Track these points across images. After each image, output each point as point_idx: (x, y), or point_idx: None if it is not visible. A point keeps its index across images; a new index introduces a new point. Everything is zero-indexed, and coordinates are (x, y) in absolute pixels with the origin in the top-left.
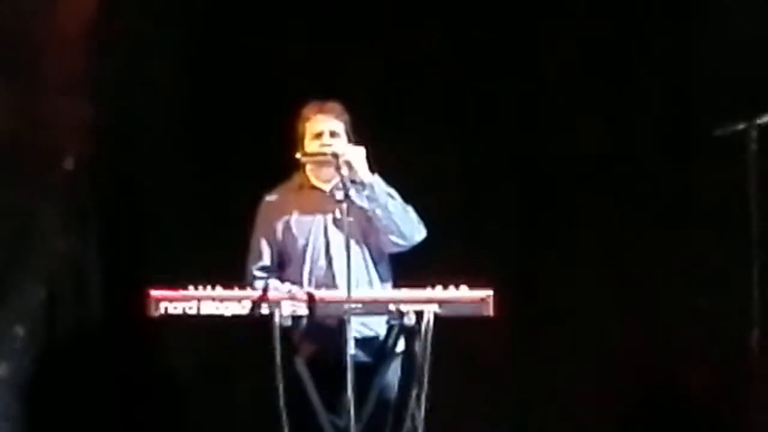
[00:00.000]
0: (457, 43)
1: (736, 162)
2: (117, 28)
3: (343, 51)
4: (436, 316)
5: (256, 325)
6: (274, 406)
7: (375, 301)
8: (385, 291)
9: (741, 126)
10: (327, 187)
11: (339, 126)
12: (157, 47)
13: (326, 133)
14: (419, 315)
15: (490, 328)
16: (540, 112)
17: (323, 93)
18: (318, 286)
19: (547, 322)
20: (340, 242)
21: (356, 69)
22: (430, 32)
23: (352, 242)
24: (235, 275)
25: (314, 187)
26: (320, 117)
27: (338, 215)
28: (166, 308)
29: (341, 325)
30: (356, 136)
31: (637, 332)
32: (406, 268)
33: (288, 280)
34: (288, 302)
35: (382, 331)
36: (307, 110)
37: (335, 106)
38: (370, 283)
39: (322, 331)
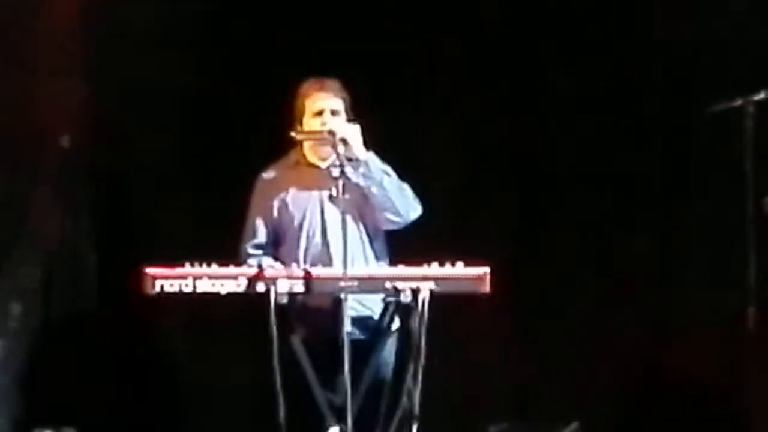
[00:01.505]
0: (456, 20)
1: (732, 138)
2: (111, 10)
3: (341, 27)
4: (432, 293)
5: (252, 302)
6: (270, 384)
7: (371, 278)
8: (382, 268)
9: (738, 102)
10: (324, 165)
11: (339, 104)
12: (150, 29)
13: (327, 111)
14: (415, 292)
15: (486, 304)
16: (538, 91)
17: (321, 70)
18: (314, 264)
19: (544, 298)
20: (336, 220)
21: (354, 46)
22: (430, 9)
23: (348, 219)
24: (231, 253)
25: (311, 165)
26: (321, 95)
27: (334, 192)
28: (162, 286)
29: (337, 303)
30: (353, 113)
31: (634, 309)
32: (402, 245)
33: (284, 258)
34: (284, 279)
35: (377, 310)
36: (306, 87)
37: (335, 83)
38: (366, 260)
39: (318, 309)
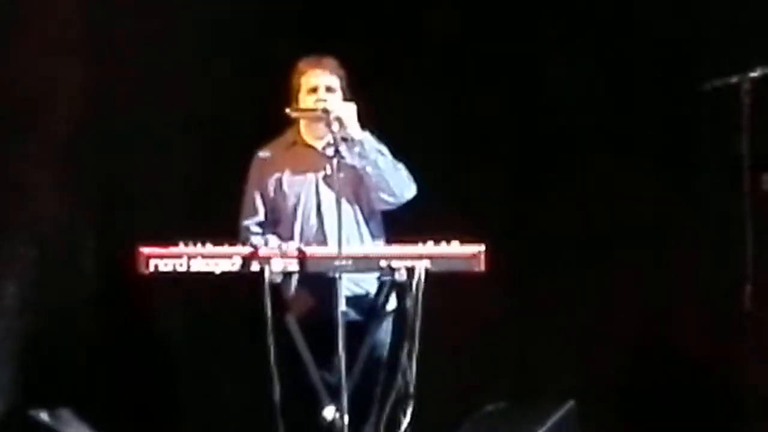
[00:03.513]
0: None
1: (728, 115)
2: None
3: (338, 5)
4: (428, 272)
5: (247, 282)
6: (265, 363)
7: (366, 257)
8: (376, 247)
9: (734, 79)
10: (320, 145)
11: (335, 81)
12: (150, 11)
13: (322, 87)
14: (410, 271)
15: (481, 283)
16: (535, 67)
17: (317, 48)
18: (308, 244)
19: (540, 276)
20: (331, 200)
21: (350, 24)
22: None
23: (343, 200)
24: (225, 232)
25: (307, 145)
26: (317, 71)
27: (329, 172)
28: (156, 265)
29: (332, 283)
30: (350, 92)
31: (632, 287)
32: (398, 225)
33: (280, 237)
34: (278, 258)
35: (372, 289)
36: (303, 64)
37: (331, 61)
38: (362, 240)
39: (313, 288)
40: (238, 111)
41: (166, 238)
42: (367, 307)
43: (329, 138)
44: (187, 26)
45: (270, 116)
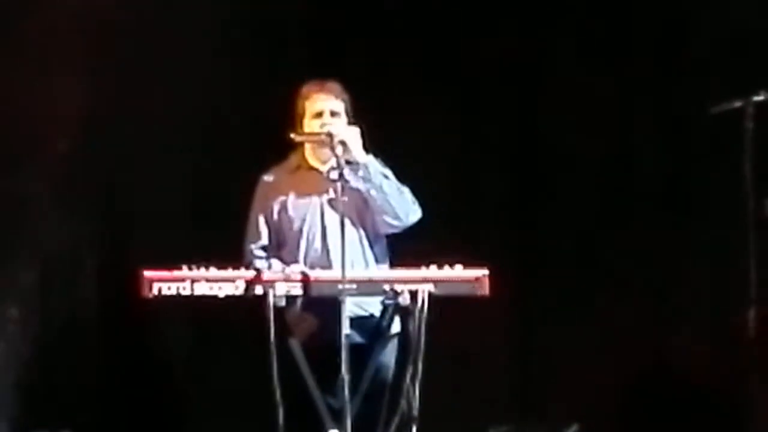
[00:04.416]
0: (455, 20)
1: (732, 140)
2: (111, 10)
3: (342, 29)
4: (431, 296)
5: (251, 305)
6: (268, 387)
7: (369, 281)
8: (380, 271)
9: (737, 104)
10: (324, 168)
11: (339, 105)
12: (150, 30)
13: (327, 112)
14: (414, 294)
15: (485, 307)
16: (537, 92)
17: (321, 72)
18: (313, 268)
19: (543, 300)
20: (335, 224)
21: (354, 48)
22: (429, 10)
23: (348, 223)
24: (229, 256)
25: (311, 168)
26: (321, 96)
27: (333, 196)
28: (159, 289)
29: (336, 306)
30: (354, 116)
31: (634, 311)
32: (402, 248)
33: (285, 261)
34: (282, 282)
35: (376, 312)
36: (306, 89)
37: (335, 85)
38: (366, 263)
39: (317, 311)
40: (241, 128)
41: (167, 256)
42: (371, 330)
43: (333, 161)
44: (189, 47)
45: (274, 138)
